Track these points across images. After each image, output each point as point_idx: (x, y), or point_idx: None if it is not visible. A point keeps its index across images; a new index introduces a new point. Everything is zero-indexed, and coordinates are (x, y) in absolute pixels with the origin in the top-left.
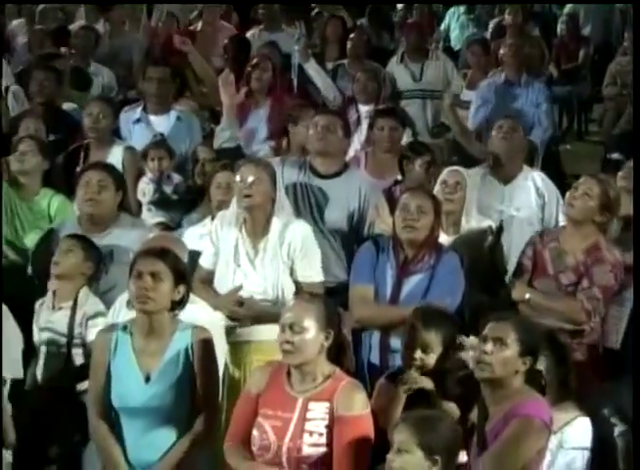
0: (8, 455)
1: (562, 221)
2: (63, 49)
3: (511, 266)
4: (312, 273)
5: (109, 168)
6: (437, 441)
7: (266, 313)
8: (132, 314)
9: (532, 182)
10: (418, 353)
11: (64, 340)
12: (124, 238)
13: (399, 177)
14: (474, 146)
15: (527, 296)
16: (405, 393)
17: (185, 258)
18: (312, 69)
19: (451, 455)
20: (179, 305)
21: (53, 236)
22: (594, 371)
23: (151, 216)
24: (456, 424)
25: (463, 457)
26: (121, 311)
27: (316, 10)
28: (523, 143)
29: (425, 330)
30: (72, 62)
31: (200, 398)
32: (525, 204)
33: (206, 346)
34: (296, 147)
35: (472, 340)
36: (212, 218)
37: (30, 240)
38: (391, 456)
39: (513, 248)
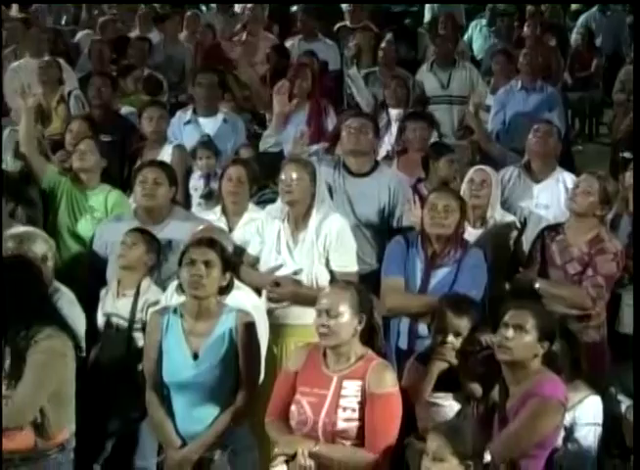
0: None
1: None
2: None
3: None
4: (347, 263)
5: (163, 166)
6: (468, 447)
7: (302, 294)
8: (182, 298)
9: (563, 183)
10: (450, 338)
11: (126, 324)
12: (179, 230)
13: (422, 175)
14: (492, 147)
15: (537, 285)
16: (438, 369)
17: (230, 248)
18: (352, 76)
19: (480, 458)
20: (226, 290)
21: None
22: (600, 352)
23: (200, 210)
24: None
25: (487, 457)
26: (174, 296)
27: (343, 23)
28: (556, 146)
29: (456, 316)
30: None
31: (241, 375)
32: (554, 202)
33: (249, 328)
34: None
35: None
36: (222, 210)
37: (82, 228)
38: (429, 464)
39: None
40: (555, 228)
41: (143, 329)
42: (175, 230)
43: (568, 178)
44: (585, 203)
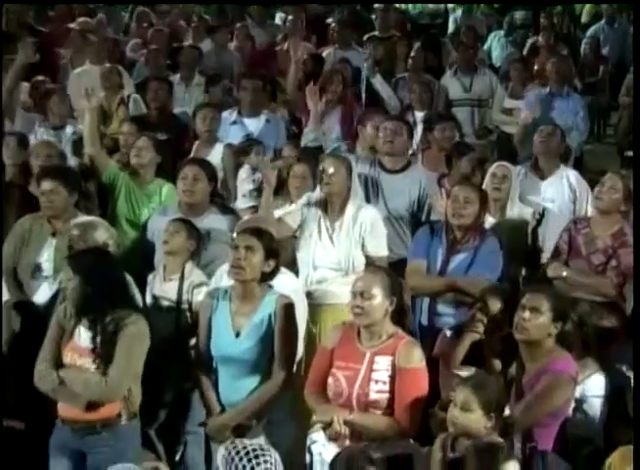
0: None
1: (590, 212)
2: None
3: (545, 249)
4: (379, 248)
5: (202, 163)
6: (493, 400)
7: None
8: (231, 282)
9: (567, 179)
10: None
11: (174, 305)
12: (217, 221)
13: (445, 171)
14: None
15: (565, 273)
16: (470, 339)
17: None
18: (377, 81)
19: (501, 412)
20: (270, 276)
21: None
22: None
23: (245, 201)
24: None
25: (507, 411)
26: (222, 279)
27: (372, 33)
28: (559, 145)
29: (496, 300)
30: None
31: (279, 354)
32: (559, 197)
33: (288, 311)
34: (364, 145)
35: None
36: (290, 203)
37: (138, 217)
38: (456, 413)
39: (547, 234)
40: (581, 222)
41: (189, 308)
42: (214, 221)
43: (571, 175)
44: (611, 200)
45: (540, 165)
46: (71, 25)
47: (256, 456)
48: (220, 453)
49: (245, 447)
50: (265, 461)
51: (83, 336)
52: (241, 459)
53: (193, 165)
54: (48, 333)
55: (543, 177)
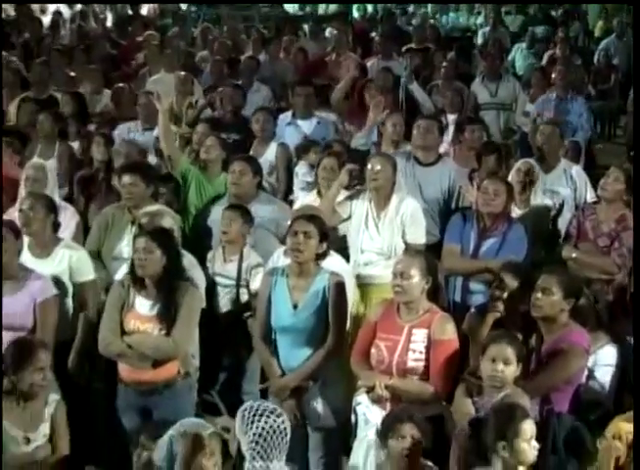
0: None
1: (589, 200)
2: None
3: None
4: (418, 236)
5: (248, 159)
6: (524, 351)
7: None
8: (287, 261)
9: (568, 172)
10: (504, 294)
11: (234, 283)
12: (263, 210)
13: (475, 167)
14: None
15: (574, 255)
16: (493, 318)
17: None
18: (414, 88)
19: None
20: (322, 256)
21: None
22: (623, 309)
23: (303, 194)
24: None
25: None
26: (279, 259)
27: (410, 45)
28: (559, 142)
29: (512, 279)
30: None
31: (331, 324)
32: (561, 188)
33: (339, 287)
34: (387, 141)
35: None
36: (318, 193)
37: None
38: (501, 367)
39: (560, 221)
40: (588, 209)
41: (247, 286)
42: (258, 210)
43: (573, 169)
44: (614, 190)
45: (543, 160)
46: (139, 39)
47: (262, 414)
48: (240, 410)
49: (259, 407)
50: (266, 421)
51: (143, 304)
52: (250, 414)
53: (240, 161)
54: (108, 305)
55: (547, 171)
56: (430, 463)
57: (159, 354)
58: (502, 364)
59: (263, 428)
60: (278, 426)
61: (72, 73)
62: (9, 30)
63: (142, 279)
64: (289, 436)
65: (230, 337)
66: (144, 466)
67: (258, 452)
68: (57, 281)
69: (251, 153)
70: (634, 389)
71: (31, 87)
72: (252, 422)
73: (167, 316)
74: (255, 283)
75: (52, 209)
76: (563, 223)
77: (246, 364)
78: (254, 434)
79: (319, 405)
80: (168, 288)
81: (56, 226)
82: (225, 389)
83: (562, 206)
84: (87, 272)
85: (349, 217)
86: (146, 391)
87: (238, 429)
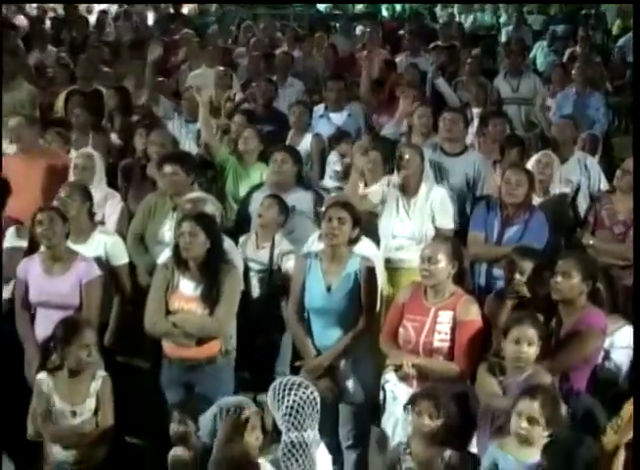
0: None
1: (603, 189)
2: None
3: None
4: (447, 222)
5: (289, 149)
6: (546, 332)
7: None
8: (321, 245)
9: (583, 162)
10: (517, 276)
11: (265, 268)
12: (301, 198)
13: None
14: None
15: (591, 242)
16: (511, 303)
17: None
18: (440, 83)
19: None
20: (354, 241)
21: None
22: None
23: (332, 181)
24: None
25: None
26: (313, 244)
27: (436, 43)
28: (573, 135)
29: (522, 260)
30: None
31: (363, 305)
32: (575, 177)
33: (370, 270)
34: (417, 132)
35: None
36: (365, 183)
37: (243, 194)
38: (525, 349)
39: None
40: (604, 198)
41: (279, 271)
42: (298, 198)
43: (587, 159)
44: (630, 181)
45: (558, 151)
46: (180, 36)
47: (292, 388)
48: (271, 388)
49: (288, 382)
50: (296, 394)
51: (187, 286)
52: (281, 389)
53: (281, 151)
54: (154, 287)
55: (562, 161)
56: (448, 452)
57: (202, 333)
58: (526, 345)
59: (294, 401)
60: (308, 397)
61: (117, 69)
62: (58, 28)
63: (186, 261)
64: (319, 405)
65: (262, 319)
66: (179, 439)
67: (293, 424)
68: (99, 263)
69: (288, 143)
70: (634, 389)
71: (78, 81)
72: (284, 397)
73: (210, 297)
74: (286, 268)
75: (88, 197)
76: (576, 210)
77: (278, 346)
78: (287, 407)
79: (350, 382)
80: (211, 270)
81: (92, 213)
82: (258, 369)
83: (577, 192)
84: (121, 256)
85: (380, 203)
86: (189, 367)
87: (270, 405)
